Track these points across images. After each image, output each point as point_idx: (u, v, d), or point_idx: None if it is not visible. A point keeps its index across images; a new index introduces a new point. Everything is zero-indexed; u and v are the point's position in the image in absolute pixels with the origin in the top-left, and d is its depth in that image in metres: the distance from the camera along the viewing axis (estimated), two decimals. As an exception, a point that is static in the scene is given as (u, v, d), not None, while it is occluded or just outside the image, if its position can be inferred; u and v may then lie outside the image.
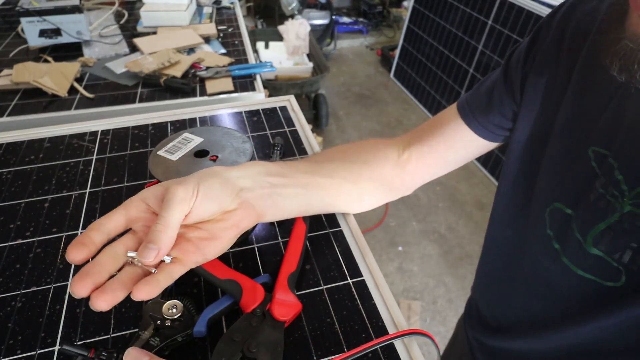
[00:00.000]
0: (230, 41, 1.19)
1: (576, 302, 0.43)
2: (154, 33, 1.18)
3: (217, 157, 0.54)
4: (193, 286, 0.51)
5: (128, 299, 0.32)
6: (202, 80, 0.98)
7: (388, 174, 0.55)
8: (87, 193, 0.64)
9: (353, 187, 0.53)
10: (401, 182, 0.57)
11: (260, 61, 1.30)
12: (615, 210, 0.38)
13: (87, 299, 0.33)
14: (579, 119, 0.42)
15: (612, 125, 0.39)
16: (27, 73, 0.92)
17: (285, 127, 0.78)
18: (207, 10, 1.35)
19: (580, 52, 0.43)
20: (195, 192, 0.38)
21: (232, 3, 1.44)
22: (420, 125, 0.58)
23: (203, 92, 0.95)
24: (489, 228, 0.59)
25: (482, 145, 0.54)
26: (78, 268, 0.52)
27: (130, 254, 0.35)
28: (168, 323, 0.42)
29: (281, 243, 0.56)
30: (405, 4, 4.14)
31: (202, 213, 0.39)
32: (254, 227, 0.57)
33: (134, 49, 1.12)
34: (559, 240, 0.44)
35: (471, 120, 0.53)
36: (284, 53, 2.78)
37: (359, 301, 0.49)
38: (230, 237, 0.41)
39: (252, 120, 0.80)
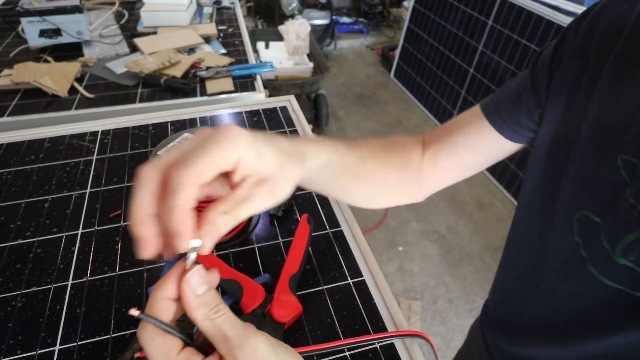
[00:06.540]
0: (230, 41, 1.19)
1: (603, 311, 0.42)
2: (154, 33, 1.18)
3: (217, 157, 0.54)
4: (193, 286, 0.51)
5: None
6: (202, 80, 0.98)
7: (408, 180, 0.54)
8: (87, 193, 0.64)
9: (376, 188, 0.52)
10: (417, 186, 0.56)
11: (261, 61, 1.29)
12: None
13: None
14: (606, 126, 0.41)
15: None
16: (28, 73, 0.92)
17: (286, 127, 0.78)
18: (207, 10, 1.35)
19: (609, 55, 0.41)
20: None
21: (232, 3, 1.44)
22: (442, 125, 0.57)
23: (203, 92, 0.95)
24: (511, 231, 0.57)
25: (505, 147, 0.53)
26: (78, 268, 0.53)
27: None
28: (168, 323, 0.42)
29: (281, 243, 0.56)
30: (405, 4, 4.14)
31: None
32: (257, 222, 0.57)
33: (134, 49, 1.12)
34: (586, 248, 0.43)
35: (497, 120, 0.52)
36: (284, 53, 2.78)
37: (359, 301, 0.49)
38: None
39: (253, 120, 0.80)
